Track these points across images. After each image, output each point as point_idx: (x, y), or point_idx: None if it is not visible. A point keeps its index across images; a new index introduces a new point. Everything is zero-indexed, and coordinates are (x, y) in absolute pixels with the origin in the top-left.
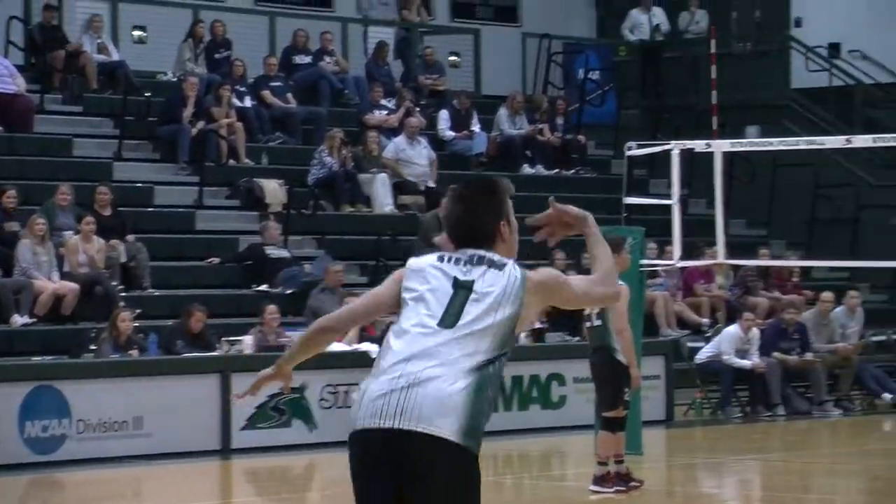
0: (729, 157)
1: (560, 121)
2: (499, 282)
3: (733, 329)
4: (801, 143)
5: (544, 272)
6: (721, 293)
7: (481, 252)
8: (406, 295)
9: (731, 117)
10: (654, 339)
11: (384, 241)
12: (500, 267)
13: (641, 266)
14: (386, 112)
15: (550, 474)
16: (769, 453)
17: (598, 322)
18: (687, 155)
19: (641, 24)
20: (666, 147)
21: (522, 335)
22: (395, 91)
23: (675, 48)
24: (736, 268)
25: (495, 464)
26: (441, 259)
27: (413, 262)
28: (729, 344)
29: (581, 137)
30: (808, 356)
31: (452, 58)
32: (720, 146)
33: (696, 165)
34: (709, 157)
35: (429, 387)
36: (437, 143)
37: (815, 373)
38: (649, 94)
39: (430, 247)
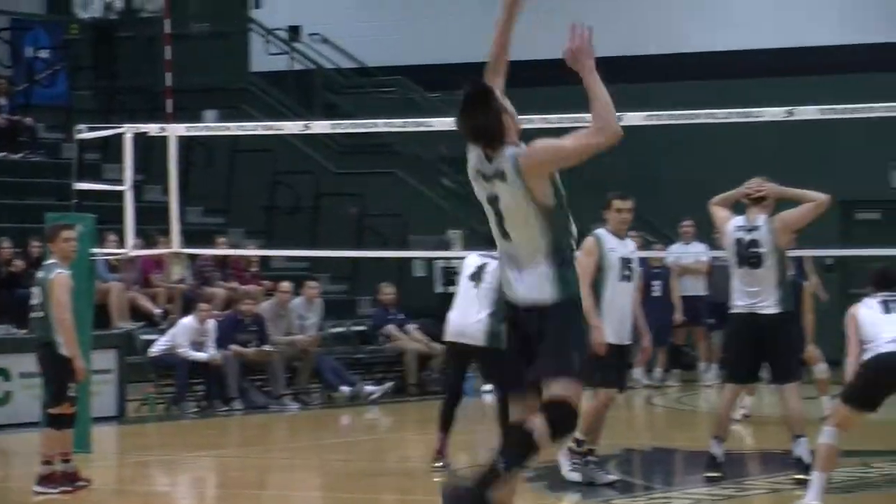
0: (185, 142)
1: (6, 101)
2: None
3: (188, 320)
4: (260, 128)
5: (533, 149)
6: (176, 284)
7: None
8: None
9: (188, 100)
10: (106, 331)
11: None
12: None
13: (91, 255)
14: None
15: None
16: (225, 449)
17: (39, 313)
18: (141, 139)
19: (94, 1)
20: (119, 130)
21: None
22: None
23: (130, 27)
24: (193, 257)
25: None
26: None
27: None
28: (184, 336)
29: (29, 119)
30: (266, 348)
31: None
32: (175, 130)
33: (152, 150)
34: (164, 141)
35: (529, 275)
36: None
37: (273, 365)
38: (102, 75)
39: None
